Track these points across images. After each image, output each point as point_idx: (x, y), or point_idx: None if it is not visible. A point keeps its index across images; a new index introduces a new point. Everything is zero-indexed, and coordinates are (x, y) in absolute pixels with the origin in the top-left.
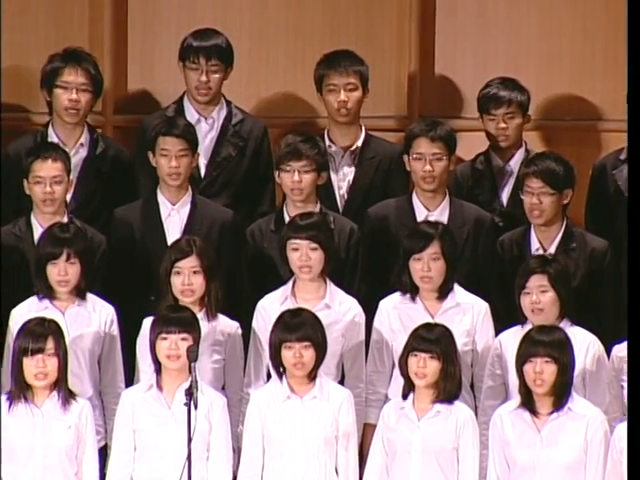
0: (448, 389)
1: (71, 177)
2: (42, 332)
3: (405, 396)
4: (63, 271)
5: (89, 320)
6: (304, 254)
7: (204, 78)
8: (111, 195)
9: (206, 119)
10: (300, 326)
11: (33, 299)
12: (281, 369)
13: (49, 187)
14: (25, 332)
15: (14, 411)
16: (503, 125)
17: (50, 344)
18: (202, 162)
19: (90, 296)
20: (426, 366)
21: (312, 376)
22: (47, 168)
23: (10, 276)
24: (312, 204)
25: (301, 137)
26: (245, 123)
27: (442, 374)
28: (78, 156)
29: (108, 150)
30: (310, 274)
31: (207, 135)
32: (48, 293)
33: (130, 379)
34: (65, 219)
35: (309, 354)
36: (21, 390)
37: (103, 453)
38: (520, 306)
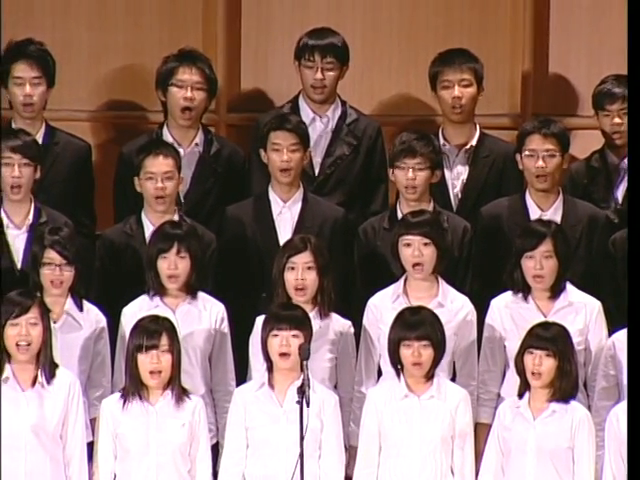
0: (564, 388)
1: (182, 175)
2: (156, 329)
3: (521, 395)
4: (173, 264)
5: (199, 318)
6: (416, 249)
7: (319, 75)
8: (226, 194)
9: (321, 118)
10: (419, 324)
11: (144, 297)
12: (398, 367)
13: (160, 183)
14: (139, 329)
15: (128, 409)
16: (618, 121)
17: (164, 340)
18: (316, 161)
19: (201, 294)
20: (542, 364)
21: (429, 375)
22: (159, 164)
23: (122, 274)
24: (425, 202)
25: (415, 135)
26: (359, 122)
27: (558, 372)
28: (193, 156)
29: (223, 150)
30: (422, 273)
31: (322, 134)
32: (159, 290)
33: (241, 377)
34: (176, 217)
35: (428, 353)
36: (135, 387)
37: (214, 451)
38: None
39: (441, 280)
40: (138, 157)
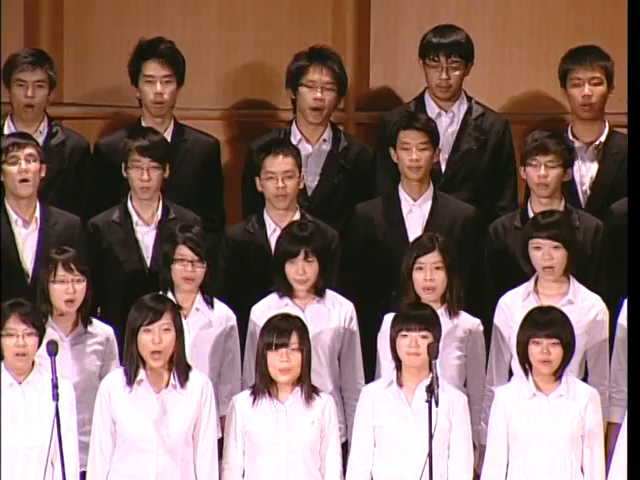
0: None
1: (304, 173)
2: (286, 327)
3: None
4: (301, 270)
5: (329, 317)
6: (546, 253)
7: (444, 76)
8: (354, 191)
9: (447, 112)
10: (549, 323)
11: (273, 296)
12: (527, 366)
13: (281, 182)
14: (270, 327)
15: (258, 406)
16: None
17: (294, 339)
18: (443, 157)
19: (329, 293)
20: None
21: (558, 374)
22: (278, 163)
23: (245, 272)
24: (557, 200)
25: (548, 132)
26: (486, 117)
27: None
28: (321, 152)
29: (351, 147)
30: (553, 275)
31: (448, 129)
32: (287, 291)
33: (369, 375)
34: (297, 215)
35: (556, 351)
36: (265, 385)
37: (343, 449)
38: None
39: (572, 279)
40: (259, 156)
